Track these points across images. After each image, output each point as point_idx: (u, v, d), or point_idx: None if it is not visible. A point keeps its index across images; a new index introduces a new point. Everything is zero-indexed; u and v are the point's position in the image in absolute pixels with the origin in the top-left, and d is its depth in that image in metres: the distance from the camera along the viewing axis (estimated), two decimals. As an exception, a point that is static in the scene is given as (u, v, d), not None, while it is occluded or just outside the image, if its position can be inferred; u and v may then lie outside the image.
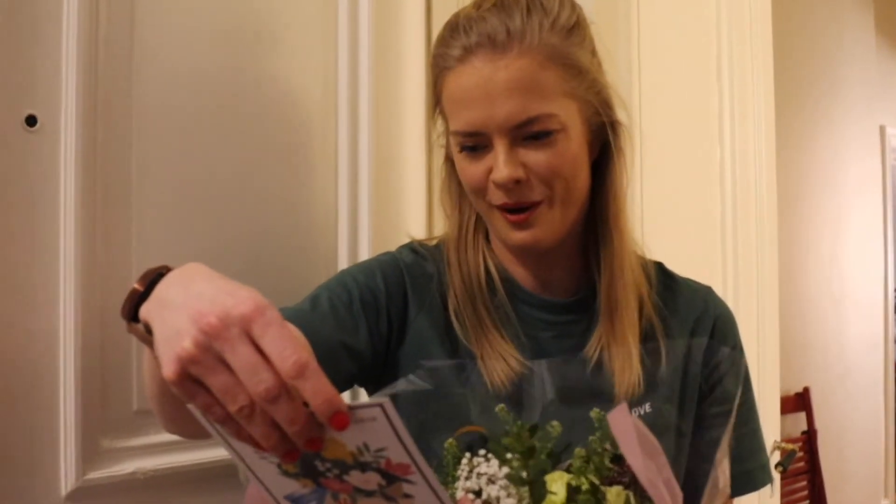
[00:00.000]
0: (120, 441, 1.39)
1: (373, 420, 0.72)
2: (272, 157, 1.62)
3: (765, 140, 2.40)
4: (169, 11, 1.47)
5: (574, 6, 1.23)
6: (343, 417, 0.71)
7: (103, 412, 1.37)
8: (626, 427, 0.94)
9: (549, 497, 0.95)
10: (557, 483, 0.96)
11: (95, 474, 1.35)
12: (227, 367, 0.71)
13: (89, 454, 1.35)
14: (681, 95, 2.45)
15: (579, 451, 0.99)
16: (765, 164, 2.40)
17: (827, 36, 4.83)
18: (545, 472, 0.98)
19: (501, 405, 1.03)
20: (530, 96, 1.15)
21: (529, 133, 1.16)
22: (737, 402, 1.04)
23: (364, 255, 1.72)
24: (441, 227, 1.40)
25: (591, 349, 1.25)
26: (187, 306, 0.74)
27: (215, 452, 1.46)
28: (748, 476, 1.30)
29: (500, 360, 1.20)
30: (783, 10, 2.68)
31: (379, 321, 1.26)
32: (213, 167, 1.53)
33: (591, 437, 1.01)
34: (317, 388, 0.70)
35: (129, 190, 1.41)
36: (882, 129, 5.49)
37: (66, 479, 1.32)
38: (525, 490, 0.96)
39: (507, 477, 0.96)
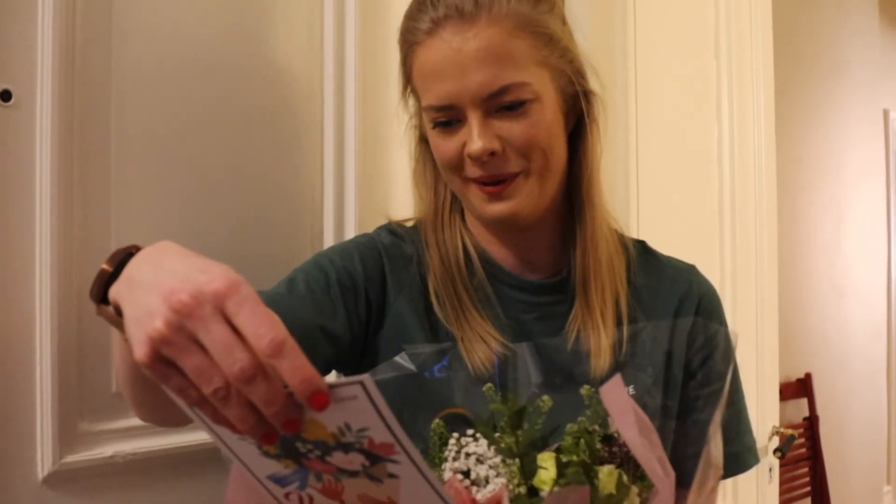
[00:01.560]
0: (98, 424, 1.37)
1: (353, 399, 0.70)
2: (256, 136, 1.59)
3: (764, 121, 2.37)
4: (148, -17, 1.44)
5: None
6: (323, 397, 0.69)
7: (81, 394, 1.34)
8: (620, 400, 0.94)
9: (540, 472, 0.94)
10: (548, 461, 0.95)
11: (73, 458, 1.32)
12: (201, 347, 0.69)
13: (66, 437, 1.32)
14: (678, 75, 2.42)
15: (571, 426, 0.98)
16: (764, 147, 2.38)
17: (830, 16, 4.80)
18: (536, 445, 0.96)
19: (489, 384, 1.02)
20: (502, 65, 1.14)
21: (503, 103, 1.15)
22: (729, 377, 1.02)
23: (350, 236, 1.68)
24: (425, 209, 1.37)
25: (570, 328, 1.24)
26: (158, 284, 0.71)
27: (196, 436, 1.44)
28: (734, 458, 1.28)
29: (480, 343, 1.19)
30: (783, 3, 2.65)
31: (357, 304, 1.24)
32: (196, 145, 1.50)
33: (580, 418, 0.99)
34: (295, 366, 0.68)
35: (108, 167, 1.38)
36: (885, 113, 5.46)
37: (43, 463, 1.30)
38: (515, 467, 0.94)
39: (499, 451, 0.95)
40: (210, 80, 1.52)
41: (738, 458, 1.30)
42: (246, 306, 0.69)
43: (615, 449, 0.96)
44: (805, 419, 4.56)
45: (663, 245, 1.41)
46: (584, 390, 1.01)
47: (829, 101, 4.76)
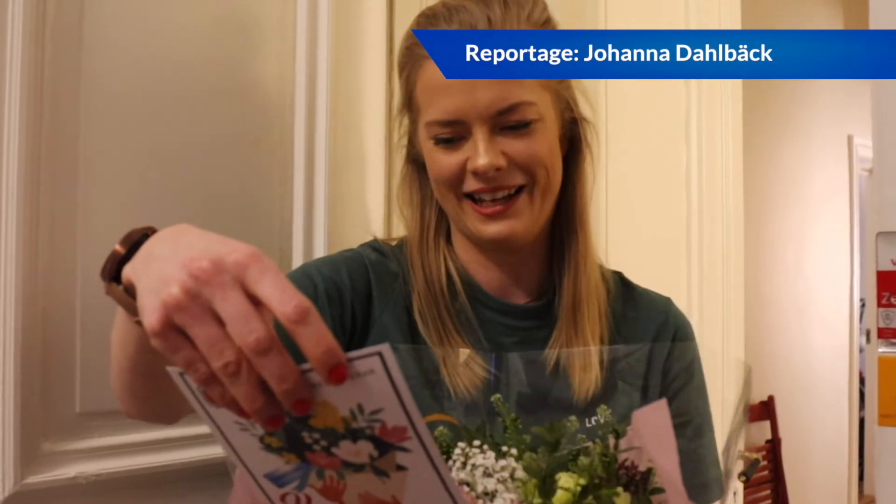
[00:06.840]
0: (61, 444, 1.35)
1: (370, 373, 0.68)
2: (224, 155, 1.59)
3: (732, 143, 2.39)
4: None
5: (545, 5, 1.24)
6: (343, 370, 0.68)
7: (44, 413, 1.33)
8: (659, 427, 0.94)
9: (561, 493, 0.93)
10: (566, 479, 0.94)
11: (35, 478, 1.30)
12: (216, 318, 0.68)
13: (29, 457, 1.30)
14: (647, 98, 2.43)
15: (595, 447, 0.98)
16: (731, 169, 2.40)
17: (795, 43, 4.83)
18: (560, 466, 0.96)
19: (497, 395, 1.04)
20: (510, 84, 1.15)
21: (509, 122, 1.17)
22: (740, 409, 1.03)
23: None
24: (400, 229, 1.37)
25: (551, 349, 1.23)
26: (177, 255, 0.71)
27: (161, 457, 1.43)
28: (701, 488, 1.28)
29: (463, 366, 1.18)
30: (751, 14, 2.67)
31: (343, 316, 1.23)
32: (163, 164, 1.49)
33: (580, 435, 0.99)
34: (319, 335, 0.67)
35: (76, 184, 1.37)
36: (850, 139, 5.50)
37: (4, 484, 1.27)
38: (531, 484, 0.94)
39: (526, 469, 0.94)
40: (179, 100, 1.51)
41: (706, 489, 1.30)
42: (269, 274, 0.69)
43: (622, 472, 0.96)
44: (768, 442, 4.58)
45: (631, 268, 1.41)
46: (601, 410, 1.05)
47: (793, 126, 4.80)
